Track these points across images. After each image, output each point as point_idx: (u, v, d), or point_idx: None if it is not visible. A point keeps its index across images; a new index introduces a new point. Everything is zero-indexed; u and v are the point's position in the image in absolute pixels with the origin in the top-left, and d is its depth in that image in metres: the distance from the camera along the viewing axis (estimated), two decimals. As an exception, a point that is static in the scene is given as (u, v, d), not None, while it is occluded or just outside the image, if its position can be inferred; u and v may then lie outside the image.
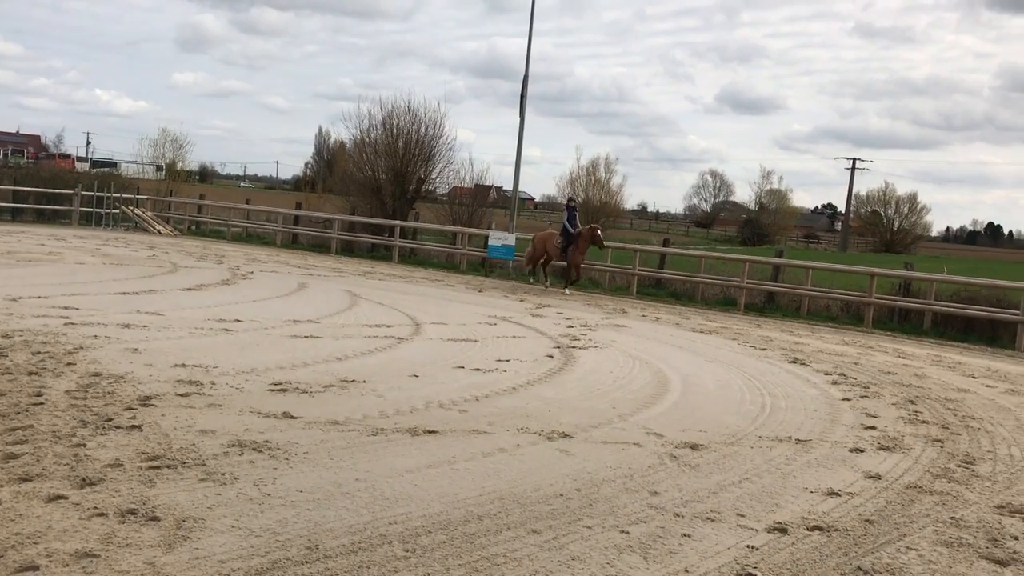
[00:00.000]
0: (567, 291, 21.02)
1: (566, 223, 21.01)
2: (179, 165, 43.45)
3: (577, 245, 20.61)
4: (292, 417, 7.15)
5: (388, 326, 12.79)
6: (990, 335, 18.56)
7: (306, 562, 4.42)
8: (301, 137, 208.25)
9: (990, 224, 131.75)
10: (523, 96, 26.12)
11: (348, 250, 28.71)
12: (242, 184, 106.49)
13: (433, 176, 33.10)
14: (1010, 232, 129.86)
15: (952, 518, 5.98)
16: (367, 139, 32.70)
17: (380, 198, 31.62)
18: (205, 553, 4.41)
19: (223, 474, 5.60)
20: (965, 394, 11.16)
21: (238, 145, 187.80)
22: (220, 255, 23.43)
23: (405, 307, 15.21)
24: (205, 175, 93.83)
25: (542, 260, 21.94)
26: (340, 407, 7.63)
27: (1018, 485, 7.00)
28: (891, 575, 4.90)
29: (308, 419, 7.13)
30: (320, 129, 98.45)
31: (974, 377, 12.85)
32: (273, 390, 8.07)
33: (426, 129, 31.86)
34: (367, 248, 28.87)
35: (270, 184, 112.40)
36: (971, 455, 7.84)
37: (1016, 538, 5.68)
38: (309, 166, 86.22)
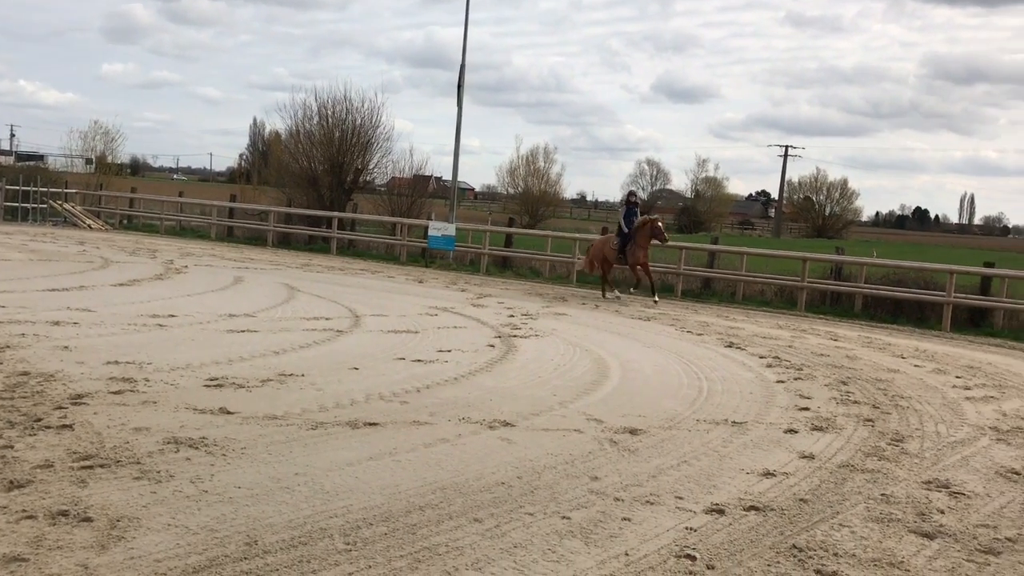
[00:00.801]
0: (655, 300, 18.32)
1: (621, 221, 18.67)
2: (110, 158, 42.26)
3: (636, 242, 18.16)
4: (229, 412, 7.03)
5: (327, 319, 12.67)
6: (918, 316, 19.16)
7: (245, 558, 4.36)
8: (235, 128, 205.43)
9: (917, 208, 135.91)
10: (460, 86, 26.05)
11: (285, 243, 28.33)
12: (175, 177, 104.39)
13: (371, 166, 32.84)
14: (936, 216, 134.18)
15: (882, 495, 6.16)
16: (303, 129, 32.29)
17: (317, 189, 31.24)
18: (140, 553, 4.32)
19: (158, 472, 5.49)
20: (895, 374, 11.48)
21: (170, 137, 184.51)
22: (153, 249, 22.92)
23: (344, 299, 15.07)
24: (137, 168, 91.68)
25: (602, 268, 19.41)
26: (278, 401, 7.54)
27: (944, 461, 7.24)
28: (825, 552, 5.02)
29: (245, 414, 7.03)
30: (255, 120, 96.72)
31: (903, 357, 13.23)
32: (209, 385, 7.94)
33: (363, 119, 31.58)
34: (304, 240, 28.51)
35: (204, 176, 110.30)
36: (900, 433, 8.08)
37: (942, 512, 5.88)
38: (244, 158, 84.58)
